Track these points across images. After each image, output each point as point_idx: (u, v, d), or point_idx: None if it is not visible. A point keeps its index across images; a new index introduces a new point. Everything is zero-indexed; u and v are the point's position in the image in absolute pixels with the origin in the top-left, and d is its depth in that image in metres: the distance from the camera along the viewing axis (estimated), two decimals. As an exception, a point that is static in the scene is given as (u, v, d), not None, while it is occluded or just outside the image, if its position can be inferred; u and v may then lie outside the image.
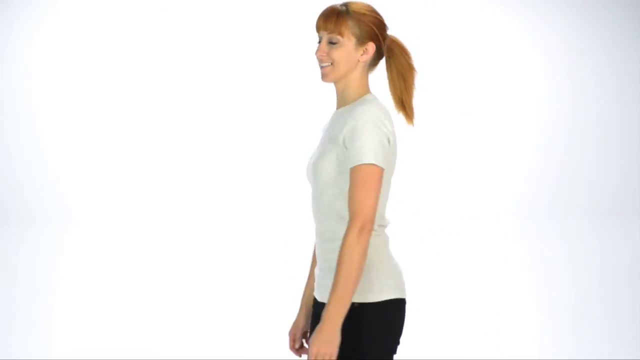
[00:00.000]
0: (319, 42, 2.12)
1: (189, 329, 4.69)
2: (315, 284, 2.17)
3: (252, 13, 8.48)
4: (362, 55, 2.11)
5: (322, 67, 2.12)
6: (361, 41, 2.11)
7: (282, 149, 8.48)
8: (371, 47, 2.12)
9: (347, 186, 2.06)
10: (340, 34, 2.09)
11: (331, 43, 2.10)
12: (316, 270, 2.17)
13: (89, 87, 8.55)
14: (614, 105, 8.79)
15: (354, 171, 2.02)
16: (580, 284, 5.66)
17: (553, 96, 8.76)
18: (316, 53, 2.12)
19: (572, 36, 8.75)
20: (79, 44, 8.52)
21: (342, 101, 2.16)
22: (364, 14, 2.10)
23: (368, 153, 2.02)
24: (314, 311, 2.20)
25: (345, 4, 2.11)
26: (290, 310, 2.50)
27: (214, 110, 8.55)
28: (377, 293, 2.07)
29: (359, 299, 2.06)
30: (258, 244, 7.11)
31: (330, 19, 2.09)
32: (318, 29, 2.12)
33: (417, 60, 2.27)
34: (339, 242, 2.04)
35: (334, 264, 2.06)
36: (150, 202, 8.38)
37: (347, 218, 2.06)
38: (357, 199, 2.02)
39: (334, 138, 2.08)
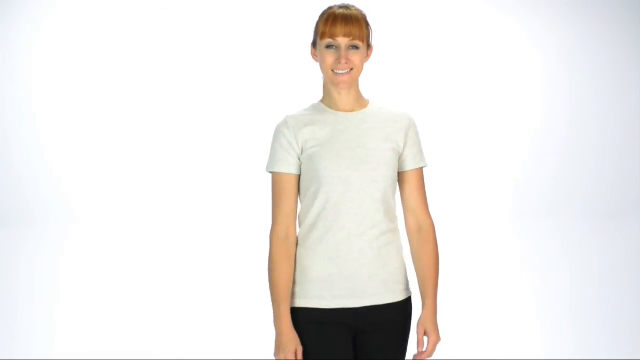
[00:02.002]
0: (330, 48, 2.08)
1: (190, 329, 4.68)
2: (365, 290, 2.10)
3: (252, 13, 8.48)
4: (365, 58, 2.15)
5: (340, 75, 2.08)
6: (367, 45, 2.14)
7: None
8: (372, 49, 2.17)
9: (396, 187, 2.17)
10: (362, 39, 2.09)
11: (354, 48, 2.08)
12: (365, 277, 2.09)
13: (89, 86, 8.54)
14: (613, 105, 8.78)
15: (420, 172, 2.19)
16: (578, 285, 5.66)
17: (550, 96, 8.75)
18: (339, 61, 2.06)
19: (570, 34, 8.74)
20: (78, 44, 8.52)
21: (355, 104, 2.16)
22: (365, 17, 2.14)
23: (425, 157, 2.21)
24: (339, 320, 2.10)
25: (350, 7, 2.12)
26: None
27: (215, 110, 8.55)
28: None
29: (409, 293, 2.19)
30: (259, 242, 7.06)
31: (354, 25, 2.07)
32: (334, 35, 2.06)
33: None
34: (396, 243, 2.15)
35: (394, 263, 2.14)
36: (152, 200, 8.37)
37: (396, 214, 2.16)
38: (426, 198, 2.20)
39: (393, 144, 2.13)
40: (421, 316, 2.16)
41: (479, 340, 4.45)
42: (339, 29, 2.06)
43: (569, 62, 8.73)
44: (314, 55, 2.16)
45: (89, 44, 8.53)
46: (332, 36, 2.07)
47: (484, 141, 8.65)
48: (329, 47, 2.08)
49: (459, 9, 8.58)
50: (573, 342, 4.43)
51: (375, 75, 7.76)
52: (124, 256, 6.63)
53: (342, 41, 2.07)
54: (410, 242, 2.19)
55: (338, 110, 2.15)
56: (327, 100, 2.17)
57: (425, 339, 2.17)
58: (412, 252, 2.18)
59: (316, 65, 2.15)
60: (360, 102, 2.17)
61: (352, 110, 2.15)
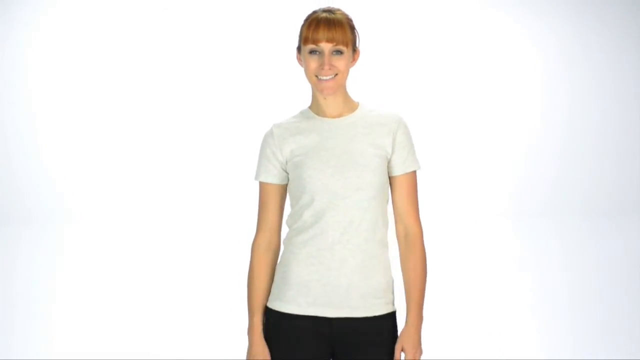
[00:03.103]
0: (314, 53, 2.04)
1: (189, 328, 4.68)
2: (342, 301, 2.04)
3: (253, 13, 8.46)
4: (352, 62, 2.10)
5: (324, 81, 2.04)
6: (353, 48, 2.09)
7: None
8: (358, 53, 2.13)
9: (388, 192, 2.11)
10: (346, 44, 2.04)
11: (338, 53, 2.03)
12: (344, 287, 2.04)
13: (87, 86, 8.52)
14: (613, 104, 8.76)
15: (410, 177, 2.10)
16: (578, 284, 5.64)
17: (550, 95, 8.73)
18: (322, 66, 2.02)
19: (570, 34, 8.72)
20: (76, 44, 8.50)
21: (343, 109, 2.12)
22: (351, 20, 2.10)
23: (417, 159, 2.12)
24: (315, 330, 2.05)
25: (334, 11, 2.06)
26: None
27: (212, 109, 8.53)
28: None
29: (392, 308, 2.12)
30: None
31: (337, 29, 2.02)
32: (317, 40, 2.02)
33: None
34: (384, 256, 2.09)
35: (378, 277, 2.07)
36: (149, 200, 8.35)
37: (387, 224, 2.10)
38: (416, 204, 2.12)
39: (380, 149, 2.07)
40: (402, 331, 2.08)
41: (478, 340, 4.43)
42: (322, 34, 2.01)
43: (568, 61, 8.72)
44: (299, 60, 2.12)
45: (87, 44, 8.51)
46: (315, 41, 2.02)
47: (483, 140, 8.64)
48: (312, 52, 2.04)
49: (460, 8, 8.57)
50: (573, 342, 4.42)
51: (374, 74, 7.78)
52: (120, 256, 6.61)
53: (326, 46, 2.02)
54: (399, 250, 2.14)
55: (325, 116, 2.11)
56: (314, 106, 2.13)
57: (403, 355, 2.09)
58: (400, 261, 2.14)
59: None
60: (349, 106, 2.12)
61: (339, 116, 2.10)
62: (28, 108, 8.55)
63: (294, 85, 8.06)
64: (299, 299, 2.05)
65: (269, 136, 2.13)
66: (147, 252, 6.74)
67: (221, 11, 8.51)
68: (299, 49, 2.10)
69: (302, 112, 2.16)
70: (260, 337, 2.09)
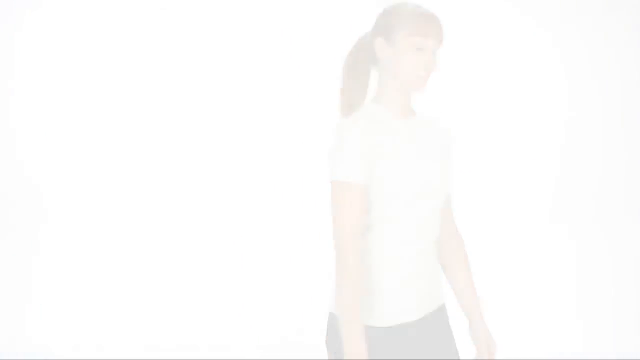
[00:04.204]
0: (418, 49, 1.88)
1: (180, 328, 4.67)
2: (421, 300, 1.98)
3: (253, 13, 8.44)
4: None
5: (424, 80, 1.91)
6: None
7: (278, 150, 8.44)
8: None
9: None
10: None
11: (433, 52, 1.90)
12: (423, 287, 1.98)
13: (71, 86, 8.49)
14: (620, 105, 8.75)
15: None
16: (588, 286, 5.63)
17: (556, 98, 8.73)
18: (427, 65, 1.88)
19: (597, 36, 8.71)
20: (65, 41, 8.47)
21: (410, 110, 2.02)
22: None
23: None
24: (406, 333, 1.97)
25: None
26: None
27: (203, 108, 8.52)
28: None
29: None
30: (244, 241, 7.08)
31: (440, 28, 1.89)
32: (427, 35, 1.86)
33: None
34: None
35: (438, 270, 2.06)
36: (131, 200, 8.33)
37: None
38: (452, 209, 2.13)
39: (448, 157, 2.03)
40: (481, 330, 2.09)
41: (524, 340, 4.46)
42: (433, 30, 1.86)
43: (572, 64, 8.72)
44: (383, 50, 1.95)
45: (75, 42, 8.49)
46: (425, 36, 1.87)
47: (495, 144, 8.64)
48: (418, 48, 1.89)
49: (481, 10, 8.57)
50: (582, 343, 4.39)
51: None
52: (104, 257, 6.60)
53: (433, 44, 1.88)
54: (442, 255, 2.13)
55: (398, 115, 1.98)
56: (391, 105, 1.99)
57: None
58: (442, 264, 2.12)
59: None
60: (412, 107, 2.05)
61: (409, 116, 2.01)
62: (8, 107, 8.52)
63: (295, 87, 8.05)
64: (396, 309, 1.96)
65: (356, 133, 1.89)
66: (142, 252, 6.73)
67: (220, 11, 8.50)
68: (387, 37, 1.93)
69: (375, 110, 1.99)
70: (366, 345, 1.90)
